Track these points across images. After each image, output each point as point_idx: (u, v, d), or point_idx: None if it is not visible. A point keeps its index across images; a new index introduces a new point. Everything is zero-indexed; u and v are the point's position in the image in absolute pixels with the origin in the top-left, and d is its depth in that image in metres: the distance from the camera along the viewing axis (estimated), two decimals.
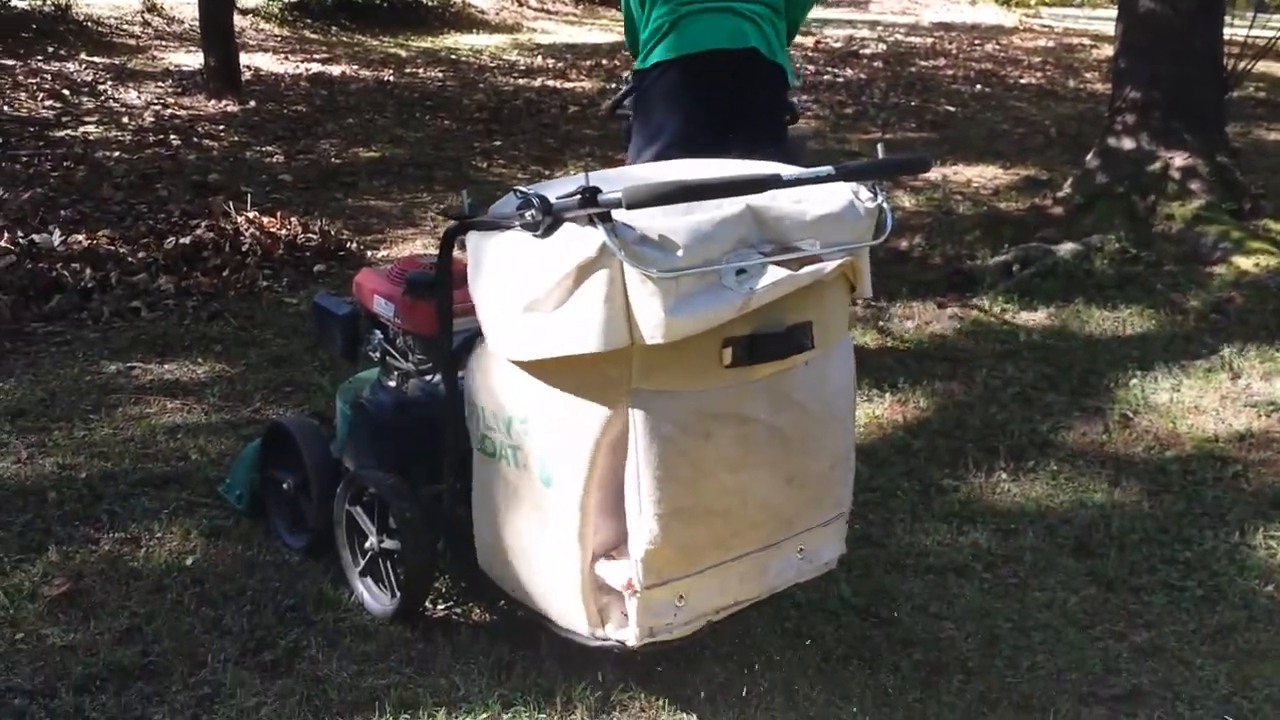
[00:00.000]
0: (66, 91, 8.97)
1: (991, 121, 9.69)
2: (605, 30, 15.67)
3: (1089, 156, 6.18)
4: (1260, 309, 4.86)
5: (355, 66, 11.27)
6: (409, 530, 2.59)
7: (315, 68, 11.00)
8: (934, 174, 7.30)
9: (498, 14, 16.34)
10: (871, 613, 2.80)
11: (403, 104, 9.57)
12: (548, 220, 2.06)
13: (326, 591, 2.81)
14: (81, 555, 2.96)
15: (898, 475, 3.50)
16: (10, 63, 9.83)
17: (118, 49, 11.20)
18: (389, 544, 2.67)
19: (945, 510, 3.30)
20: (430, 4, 15.20)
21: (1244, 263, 5.22)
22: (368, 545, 2.73)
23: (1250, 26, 6.70)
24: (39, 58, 10.20)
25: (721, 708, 2.45)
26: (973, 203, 6.80)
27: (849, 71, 12.06)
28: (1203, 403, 4.04)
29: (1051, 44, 15.12)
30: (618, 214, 1.98)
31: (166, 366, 4.22)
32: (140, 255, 5.21)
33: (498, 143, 8.35)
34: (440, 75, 11.17)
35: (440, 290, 2.46)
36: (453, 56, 12.46)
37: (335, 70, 10.95)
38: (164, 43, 11.87)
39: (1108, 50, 10.34)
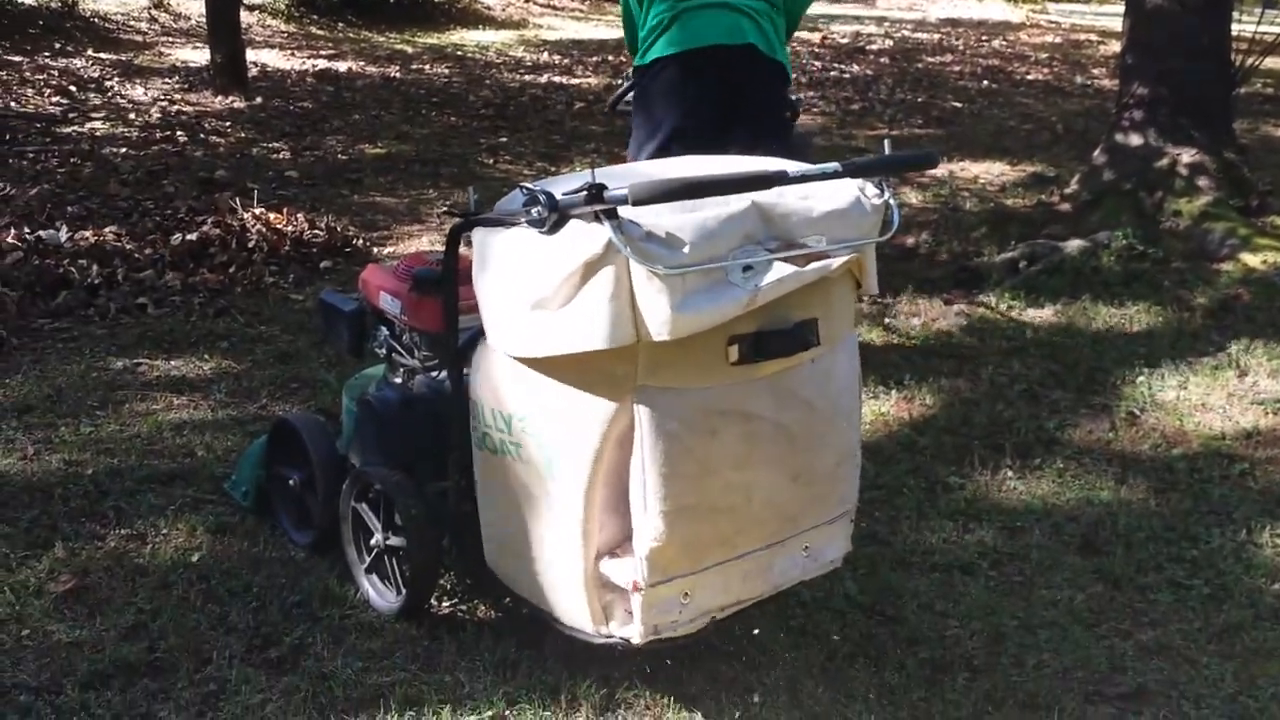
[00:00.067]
0: (73, 88, 8.99)
1: (998, 118, 9.67)
2: (611, 26, 15.65)
3: (1096, 153, 6.16)
4: (1267, 306, 4.85)
5: (361, 63, 11.28)
6: (414, 527, 2.59)
7: (322, 64, 11.00)
8: (940, 170, 7.29)
9: (504, 10, 16.34)
10: (877, 611, 2.80)
11: (409, 100, 9.57)
12: (554, 217, 2.05)
13: (332, 588, 2.81)
14: (87, 551, 2.97)
15: (903, 472, 3.49)
16: (17, 59, 9.84)
17: (124, 45, 11.21)
18: (394, 541, 2.67)
19: (951, 508, 3.30)
20: (437, 0, 15.19)
21: (1251, 260, 5.20)
22: (373, 542, 2.73)
23: (1258, 22, 6.68)
24: (45, 54, 10.21)
25: (726, 705, 2.44)
26: (979, 199, 6.79)
27: (855, 68, 12.04)
28: (1210, 400, 4.03)
29: (1058, 40, 15.08)
30: (624, 211, 1.97)
31: (173, 363, 4.22)
32: (147, 252, 5.21)
33: (504, 139, 8.35)
34: (446, 71, 11.17)
35: (446, 287, 2.46)
36: (459, 53, 12.46)
37: (342, 66, 10.96)
38: (170, 39, 11.88)
39: (1115, 46, 10.32)
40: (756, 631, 2.68)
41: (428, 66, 11.38)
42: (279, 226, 5.57)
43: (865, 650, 2.64)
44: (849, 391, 2.38)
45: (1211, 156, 5.74)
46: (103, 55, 10.50)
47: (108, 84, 9.29)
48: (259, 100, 9.04)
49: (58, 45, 10.60)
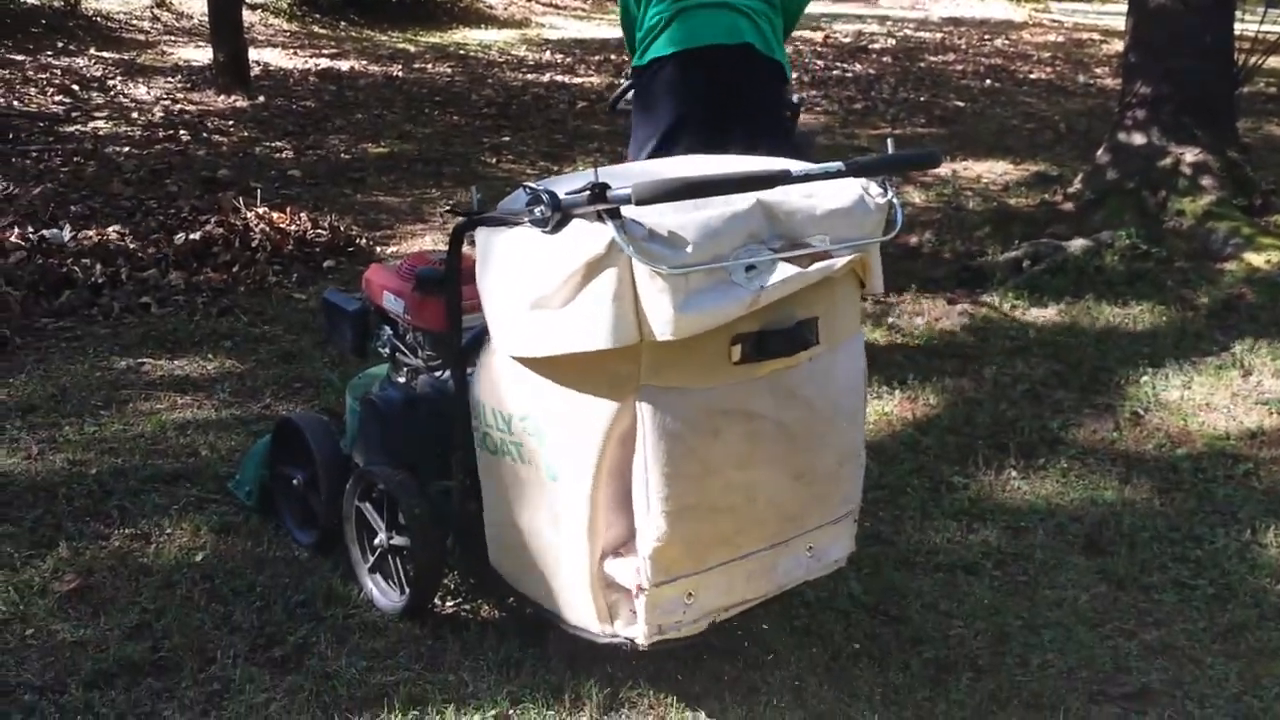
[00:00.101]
0: (76, 87, 9.00)
1: (1001, 117, 9.66)
2: (614, 25, 15.60)
3: (1099, 152, 6.16)
4: (1271, 306, 4.84)
5: (364, 62, 11.28)
6: (418, 526, 2.59)
7: (324, 63, 11.01)
8: (944, 170, 7.28)
9: (506, 9, 16.33)
10: (881, 611, 2.80)
11: (411, 99, 9.57)
12: (557, 216, 2.05)
13: (336, 588, 2.81)
14: (91, 551, 2.97)
15: (907, 472, 3.49)
16: (20, 58, 9.84)
17: (127, 44, 11.21)
18: (398, 540, 2.67)
19: (955, 507, 3.30)
20: None
21: (1255, 259, 5.20)
22: (377, 542, 2.73)
23: (1262, 21, 6.68)
24: (49, 53, 10.21)
25: (730, 705, 2.44)
26: (983, 198, 6.78)
27: (858, 67, 12.04)
28: (1214, 400, 4.03)
29: (1061, 39, 15.07)
30: (627, 210, 1.97)
31: (176, 362, 4.22)
32: (150, 251, 5.21)
33: (506, 138, 8.35)
34: (449, 71, 11.17)
35: (449, 286, 2.46)
36: (461, 52, 12.46)
37: (344, 65, 10.96)
38: (173, 38, 11.89)
39: (1118, 45, 10.31)
40: (761, 631, 2.68)
41: (430, 65, 11.38)
42: (282, 226, 5.58)
43: (869, 650, 2.64)
44: (852, 391, 2.38)
45: (1215, 156, 5.73)
46: (105, 54, 10.51)
47: (110, 83, 9.29)
48: (262, 99, 9.05)
49: (60, 44, 10.60)
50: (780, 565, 2.36)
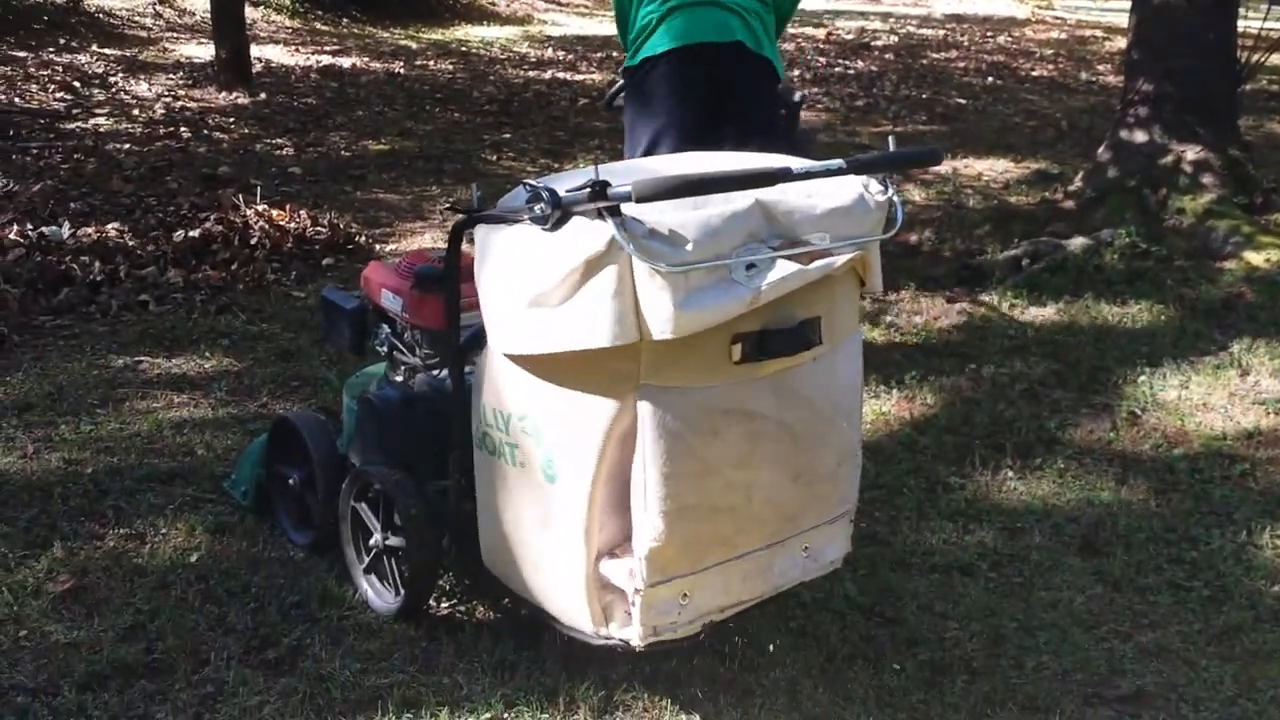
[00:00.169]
0: (77, 83, 9.00)
1: (1003, 114, 9.64)
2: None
3: (1100, 150, 6.15)
4: (1270, 305, 4.83)
5: (365, 59, 11.27)
6: (414, 527, 2.58)
7: (326, 60, 11.00)
8: (944, 167, 7.27)
9: (508, 6, 16.32)
10: (876, 612, 2.79)
11: (413, 96, 9.57)
12: (556, 214, 2.04)
13: (331, 589, 2.80)
14: (86, 551, 2.97)
15: (904, 472, 3.49)
16: (21, 54, 9.85)
17: (129, 41, 11.21)
18: (394, 541, 2.67)
19: (951, 508, 3.29)
20: None
21: (1255, 258, 5.18)
22: (372, 542, 2.72)
23: (1264, 19, 6.66)
24: (50, 50, 10.21)
25: (725, 707, 2.44)
26: (983, 196, 6.77)
27: (860, 63, 12.02)
28: (1211, 400, 4.02)
29: (1064, 36, 15.04)
30: (627, 208, 1.97)
31: (174, 361, 4.22)
32: (149, 248, 5.21)
33: (507, 135, 8.34)
34: (450, 67, 11.16)
35: (448, 284, 2.45)
36: (463, 49, 12.45)
37: (346, 62, 10.95)
38: (175, 35, 11.89)
39: (1120, 43, 10.30)
40: (756, 632, 2.68)
41: (432, 62, 11.37)
42: (281, 223, 5.57)
43: (864, 652, 2.63)
44: (851, 390, 2.37)
45: (1216, 154, 5.72)
46: (107, 51, 10.51)
47: (112, 80, 9.29)
48: (263, 96, 9.04)
49: (62, 41, 10.60)
50: (776, 566, 2.35)
